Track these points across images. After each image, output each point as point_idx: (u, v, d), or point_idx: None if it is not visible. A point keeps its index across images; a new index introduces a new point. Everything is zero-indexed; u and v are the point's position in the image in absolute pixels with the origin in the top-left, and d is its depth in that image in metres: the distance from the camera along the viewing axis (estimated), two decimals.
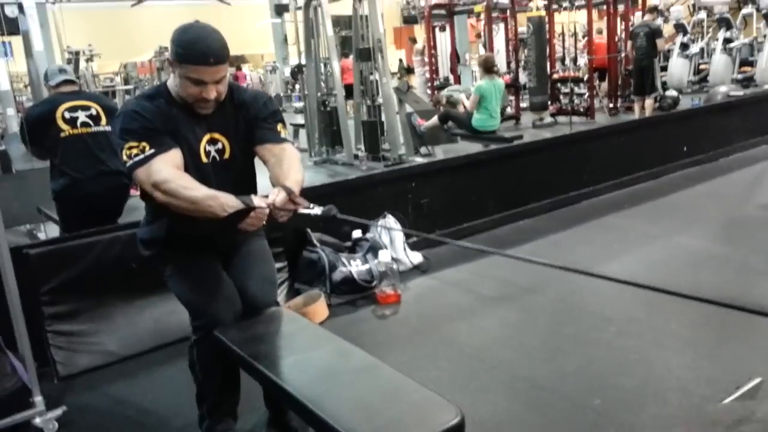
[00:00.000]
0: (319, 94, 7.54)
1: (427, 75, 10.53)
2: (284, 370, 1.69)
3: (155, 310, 3.08)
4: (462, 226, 4.25)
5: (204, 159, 1.94)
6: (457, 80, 10.73)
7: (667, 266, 3.54)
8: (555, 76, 9.66)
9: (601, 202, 4.99)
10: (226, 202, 1.77)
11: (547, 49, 9.45)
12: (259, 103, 2.00)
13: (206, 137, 1.94)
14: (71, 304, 2.87)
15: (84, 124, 3.25)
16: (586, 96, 9.81)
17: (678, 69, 11.86)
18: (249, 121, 1.98)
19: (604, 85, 10.36)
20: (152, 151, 1.79)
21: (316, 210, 1.81)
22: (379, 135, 7.20)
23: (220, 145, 1.97)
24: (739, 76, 11.95)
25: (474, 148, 6.18)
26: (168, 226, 1.99)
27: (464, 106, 6.79)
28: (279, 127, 2.00)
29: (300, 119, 8.82)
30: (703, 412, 2.20)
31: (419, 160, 6.61)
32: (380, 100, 6.86)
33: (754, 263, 3.55)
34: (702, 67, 13.35)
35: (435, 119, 6.72)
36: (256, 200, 1.82)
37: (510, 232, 4.40)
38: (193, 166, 1.89)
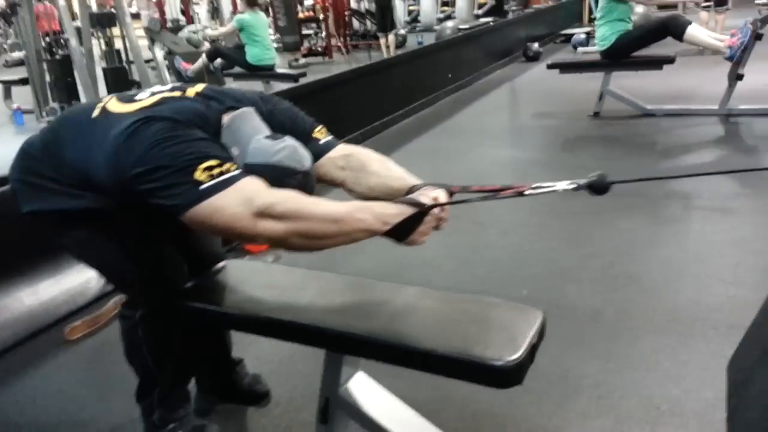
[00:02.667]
0: (47, 39, 6.24)
1: (155, 16, 9.47)
2: (320, 316, 1.43)
3: (7, 298, 2.38)
4: None
5: None
6: (191, 21, 9.95)
7: (501, 169, 3.93)
8: (300, 15, 9.62)
9: (402, 128, 5.25)
10: (384, 211, 1.27)
11: None
12: (296, 120, 1.54)
13: None
14: None
15: None
16: (323, 35, 10.04)
17: (396, 10, 12.91)
18: None
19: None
20: (239, 171, 1.25)
21: (561, 185, 1.27)
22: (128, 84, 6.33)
23: None
24: (441, 15, 13.59)
25: (253, 87, 5.85)
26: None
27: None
28: (322, 130, 1.55)
29: (16, 74, 7.22)
30: (606, 277, 2.56)
31: None
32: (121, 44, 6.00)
33: (553, 158, 4.16)
34: (410, 8, 14.89)
35: (203, 59, 6.15)
36: (424, 199, 1.32)
37: None
38: None
